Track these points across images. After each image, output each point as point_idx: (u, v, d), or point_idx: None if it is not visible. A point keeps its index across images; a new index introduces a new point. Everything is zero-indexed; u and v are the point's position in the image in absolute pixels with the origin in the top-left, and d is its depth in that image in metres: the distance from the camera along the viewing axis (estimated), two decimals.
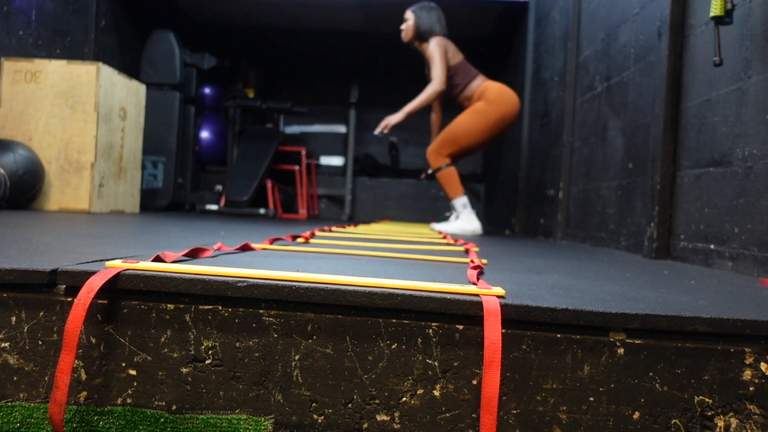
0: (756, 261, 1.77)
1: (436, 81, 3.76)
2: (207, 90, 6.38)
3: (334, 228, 3.05)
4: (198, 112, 5.86)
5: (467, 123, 3.75)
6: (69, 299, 0.88)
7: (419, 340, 0.86)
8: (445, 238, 2.71)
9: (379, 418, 0.86)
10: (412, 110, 3.75)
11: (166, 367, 0.88)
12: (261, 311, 0.87)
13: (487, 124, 3.75)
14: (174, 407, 0.87)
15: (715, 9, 1.79)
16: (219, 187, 6.23)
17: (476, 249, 2.08)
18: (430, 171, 4.05)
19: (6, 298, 0.88)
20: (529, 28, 4.95)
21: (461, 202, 3.77)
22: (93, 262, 0.99)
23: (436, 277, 1.09)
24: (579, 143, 3.54)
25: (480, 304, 0.85)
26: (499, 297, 0.88)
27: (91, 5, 4.59)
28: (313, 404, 0.87)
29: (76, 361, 0.87)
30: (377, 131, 3.77)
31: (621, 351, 0.84)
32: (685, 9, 2.28)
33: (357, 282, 0.90)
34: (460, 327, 0.85)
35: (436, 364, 0.86)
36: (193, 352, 0.88)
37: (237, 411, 0.87)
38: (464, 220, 3.73)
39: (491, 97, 3.76)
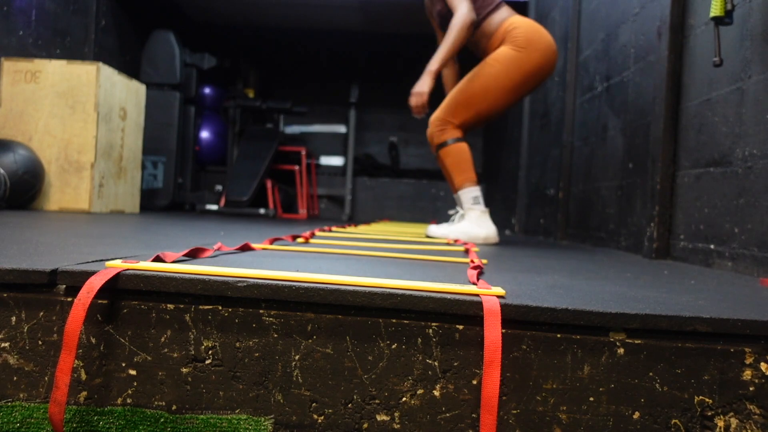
0: (756, 261, 1.77)
1: (461, 7, 2.62)
2: (207, 90, 6.38)
3: (334, 228, 3.05)
4: (198, 112, 5.86)
5: (487, 78, 2.66)
6: (69, 299, 0.88)
7: (419, 340, 0.86)
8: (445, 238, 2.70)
9: (379, 418, 0.86)
10: (442, 62, 2.67)
11: (166, 367, 0.88)
12: (261, 311, 0.87)
13: (516, 79, 2.66)
14: (174, 407, 0.87)
15: (715, 9, 1.79)
16: (219, 187, 6.24)
17: (476, 249, 2.08)
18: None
19: (6, 298, 0.88)
20: None
21: (471, 194, 2.69)
22: (93, 262, 0.99)
23: (436, 277, 1.09)
24: (579, 143, 3.53)
25: (480, 304, 0.85)
26: (499, 297, 0.88)
27: (91, 5, 4.59)
28: (313, 404, 0.87)
29: (76, 361, 0.87)
30: (417, 115, 2.73)
31: (621, 351, 0.84)
32: (685, 9, 2.28)
33: (357, 282, 0.90)
34: (460, 327, 0.85)
35: (436, 364, 0.86)
36: (193, 352, 0.88)
37: (237, 411, 0.87)
38: (473, 221, 2.66)
39: (521, 41, 2.66)
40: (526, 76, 2.67)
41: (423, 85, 2.67)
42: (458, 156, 2.70)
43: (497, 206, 5.98)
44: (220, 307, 0.88)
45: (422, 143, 7.37)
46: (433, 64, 2.66)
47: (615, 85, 2.98)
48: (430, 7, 2.90)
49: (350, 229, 3.22)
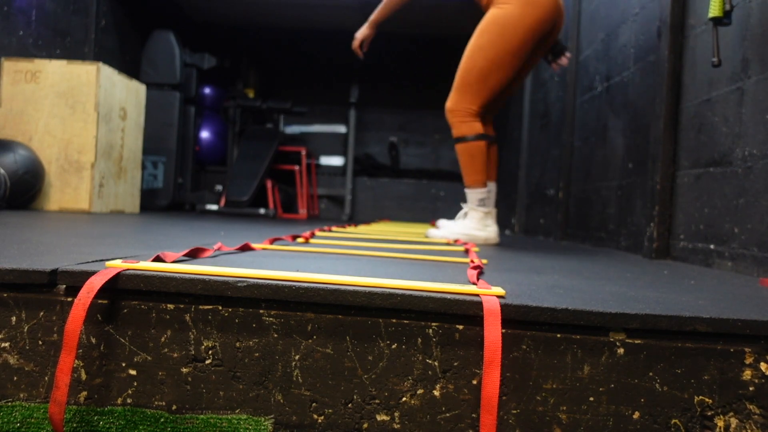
0: (756, 261, 1.77)
1: None
2: (207, 90, 6.38)
3: (334, 228, 3.05)
4: (198, 112, 5.86)
5: (487, 48, 2.46)
6: (69, 299, 0.88)
7: (419, 340, 0.86)
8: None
9: (379, 418, 0.86)
10: (380, 16, 2.72)
11: (166, 367, 0.88)
12: (261, 311, 0.87)
13: (515, 41, 2.44)
14: (174, 407, 0.87)
15: (714, 10, 1.79)
16: (219, 187, 6.23)
17: (476, 249, 2.08)
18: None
19: (6, 298, 0.88)
20: None
21: (478, 195, 2.59)
22: (93, 262, 0.99)
23: (436, 277, 1.09)
24: (579, 143, 3.54)
25: (480, 304, 0.85)
26: (499, 297, 0.88)
27: (91, 5, 4.59)
28: (313, 404, 0.87)
29: (76, 361, 0.87)
30: (360, 53, 2.86)
31: (621, 351, 0.84)
32: (685, 9, 2.28)
33: (357, 282, 0.90)
34: (460, 327, 0.85)
35: (436, 364, 0.86)
36: (193, 352, 0.88)
37: (237, 411, 0.87)
38: (475, 221, 2.59)
39: None
40: (526, 33, 2.44)
41: (361, 32, 2.83)
42: (473, 157, 2.57)
43: (497, 206, 5.98)
44: (220, 307, 0.88)
45: (422, 143, 7.37)
46: (374, 15, 2.77)
47: (615, 85, 2.98)
48: None
49: (350, 229, 3.22)
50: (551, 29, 2.53)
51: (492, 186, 2.79)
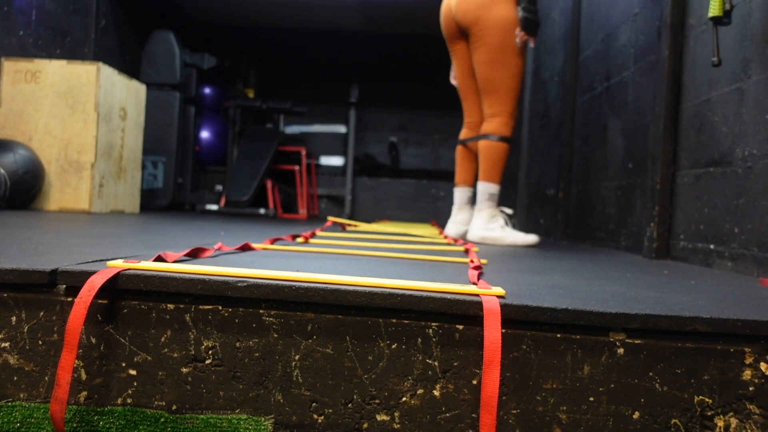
0: (756, 261, 1.77)
1: None
2: (207, 90, 6.38)
3: (343, 221, 3.05)
4: (198, 112, 5.86)
5: None
6: (69, 299, 0.88)
7: (419, 340, 0.86)
8: (446, 238, 2.71)
9: (379, 418, 0.86)
10: None
11: (166, 367, 0.88)
12: (261, 311, 0.87)
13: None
14: (174, 407, 0.87)
15: (714, 9, 1.79)
16: (219, 187, 6.23)
17: (476, 249, 2.08)
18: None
19: (6, 298, 0.88)
20: None
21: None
22: (93, 262, 0.99)
23: (436, 277, 1.09)
24: (579, 143, 3.54)
25: (480, 304, 0.85)
26: (499, 297, 0.88)
27: (91, 5, 4.59)
28: (313, 404, 0.87)
29: (76, 361, 0.87)
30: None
31: (621, 351, 0.84)
32: (685, 9, 2.28)
33: (357, 282, 0.90)
34: (460, 327, 0.85)
35: (436, 364, 0.86)
36: (193, 352, 0.88)
37: (237, 411, 0.87)
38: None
39: None
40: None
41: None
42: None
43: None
44: (220, 307, 0.88)
45: (422, 143, 7.36)
46: None
47: (615, 85, 2.98)
48: None
49: (350, 228, 3.22)
50: (453, 24, 2.83)
51: (481, 186, 2.77)
